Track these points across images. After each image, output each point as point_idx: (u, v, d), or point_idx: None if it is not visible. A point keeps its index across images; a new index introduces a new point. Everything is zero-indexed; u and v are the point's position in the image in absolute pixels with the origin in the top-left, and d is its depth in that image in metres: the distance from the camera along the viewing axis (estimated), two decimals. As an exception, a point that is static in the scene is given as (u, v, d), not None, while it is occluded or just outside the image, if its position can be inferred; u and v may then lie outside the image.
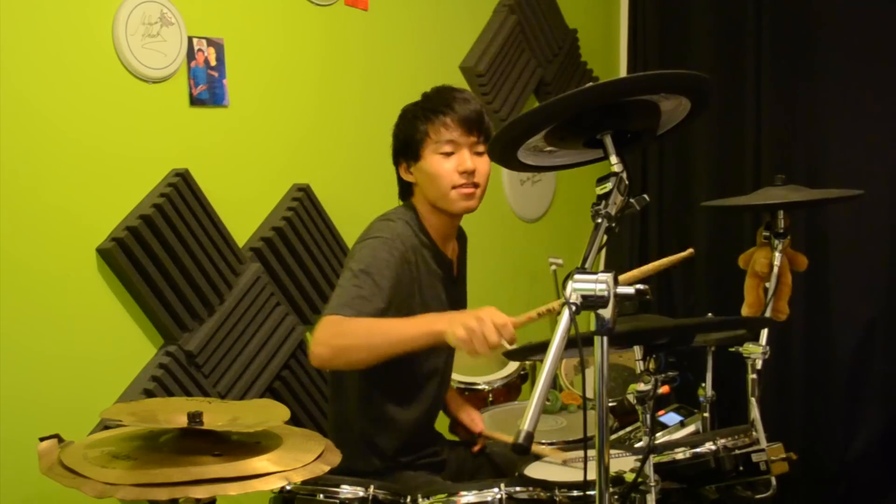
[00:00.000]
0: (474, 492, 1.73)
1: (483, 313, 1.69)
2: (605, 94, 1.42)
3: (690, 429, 2.59)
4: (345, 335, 1.81)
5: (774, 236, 2.21)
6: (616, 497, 1.63)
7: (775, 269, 2.19)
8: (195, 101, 2.39)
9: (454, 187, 2.02)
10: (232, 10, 2.49)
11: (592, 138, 1.45)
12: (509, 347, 1.71)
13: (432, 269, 2.07)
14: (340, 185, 2.78)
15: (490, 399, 2.65)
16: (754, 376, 2.13)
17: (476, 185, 2.04)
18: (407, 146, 2.07)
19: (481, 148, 2.05)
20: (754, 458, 1.82)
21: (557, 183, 3.76)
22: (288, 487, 1.74)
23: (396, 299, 1.93)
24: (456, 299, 2.17)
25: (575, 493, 1.71)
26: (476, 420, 2.29)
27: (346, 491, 1.75)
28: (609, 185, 1.38)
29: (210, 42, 2.42)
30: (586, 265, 1.29)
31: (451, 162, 2.02)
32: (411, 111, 2.10)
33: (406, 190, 2.15)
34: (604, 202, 1.37)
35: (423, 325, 1.80)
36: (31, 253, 2.07)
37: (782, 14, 3.45)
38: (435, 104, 2.06)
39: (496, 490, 1.72)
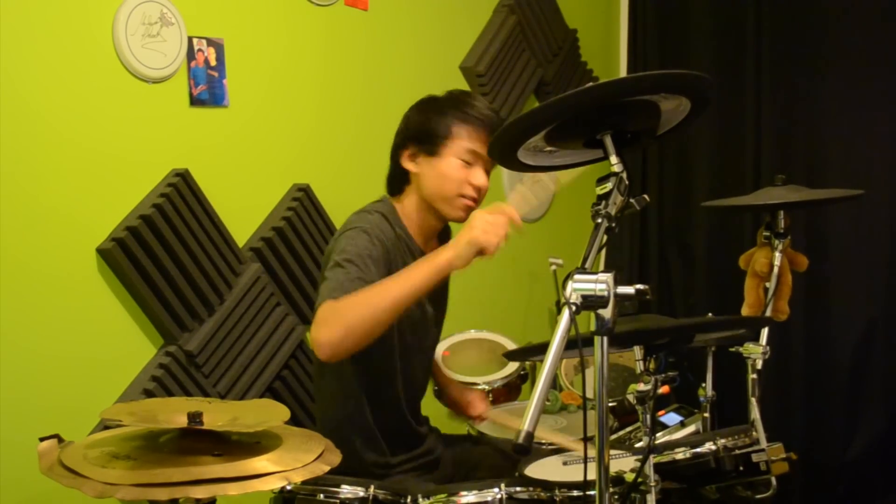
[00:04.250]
0: (474, 492, 1.73)
1: (480, 219, 1.79)
2: (605, 94, 1.42)
3: (690, 429, 2.59)
4: (343, 313, 1.74)
5: (775, 236, 2.21)
6: (616, 497, 1.63)
7: (775, 269, 2.19)
8: (195, 102, 2.39)
9: (461, 196, 2.00)
10: (232, 10, 2.49)
11: (592, 138, 1.45)
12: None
13: (409, 263, 1.96)
14: (340, 185, 2.78)
15: (490, 399, 2.65)
16: (754, 376, 2.12)
17: (475, 201, 2.03)
18: (426, 136, 2.01)
19: (489, 168, 2.04)
20: (754, 458, 1.82)
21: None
22: (288, 487, 1.74)
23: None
24: (435, 297, 2.11)
25: (575, 493, 1.71)
26: (475, 403, 2.35)
27: (347, 491, 1.75)
28: (609, 185, 1.38)
29: (210, 42, 2.42)
30: (586, 265, 1.29)
31: (466, 171, 2.00)
32: (441, 103, 2.04)
33: (401, 178, 2.08)
34: (604, 202, 1.37)
35: (425, 266, 1.78)
36: (31, 253, 2.07)
37: (782, 14, 3.45)
38: (472, 108, 2.01)
39: (496, 490, 1.72)
